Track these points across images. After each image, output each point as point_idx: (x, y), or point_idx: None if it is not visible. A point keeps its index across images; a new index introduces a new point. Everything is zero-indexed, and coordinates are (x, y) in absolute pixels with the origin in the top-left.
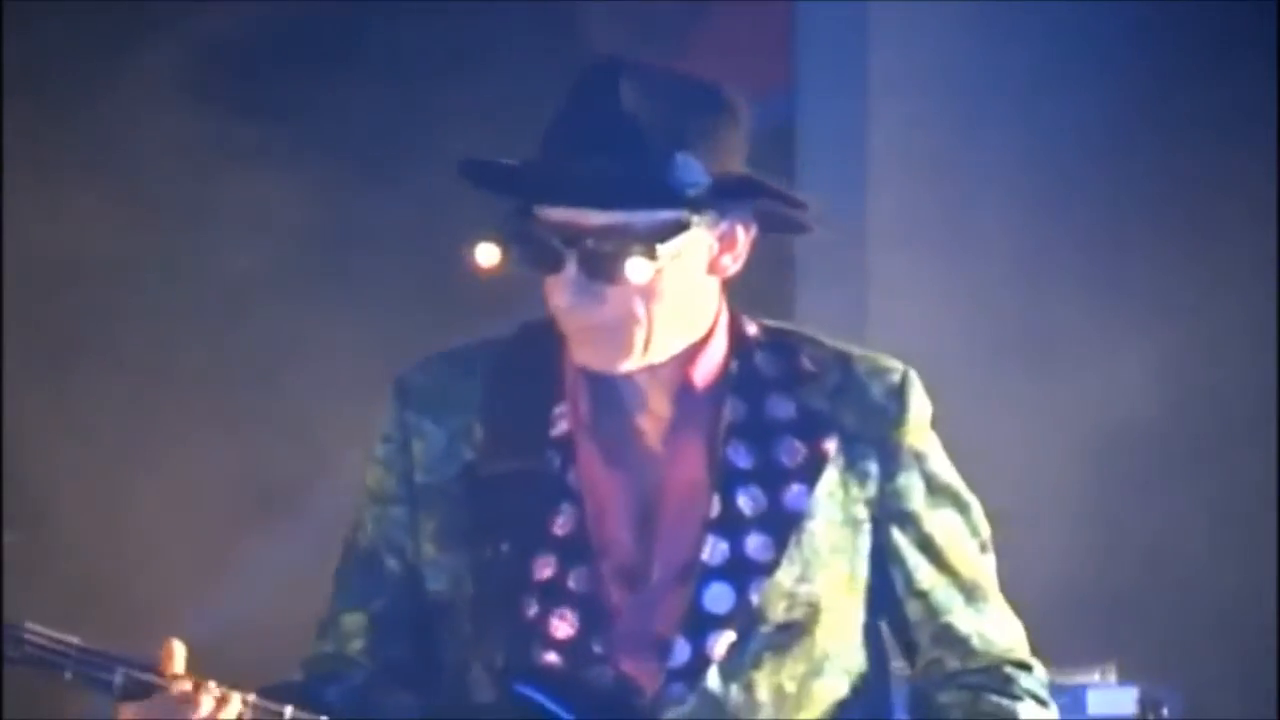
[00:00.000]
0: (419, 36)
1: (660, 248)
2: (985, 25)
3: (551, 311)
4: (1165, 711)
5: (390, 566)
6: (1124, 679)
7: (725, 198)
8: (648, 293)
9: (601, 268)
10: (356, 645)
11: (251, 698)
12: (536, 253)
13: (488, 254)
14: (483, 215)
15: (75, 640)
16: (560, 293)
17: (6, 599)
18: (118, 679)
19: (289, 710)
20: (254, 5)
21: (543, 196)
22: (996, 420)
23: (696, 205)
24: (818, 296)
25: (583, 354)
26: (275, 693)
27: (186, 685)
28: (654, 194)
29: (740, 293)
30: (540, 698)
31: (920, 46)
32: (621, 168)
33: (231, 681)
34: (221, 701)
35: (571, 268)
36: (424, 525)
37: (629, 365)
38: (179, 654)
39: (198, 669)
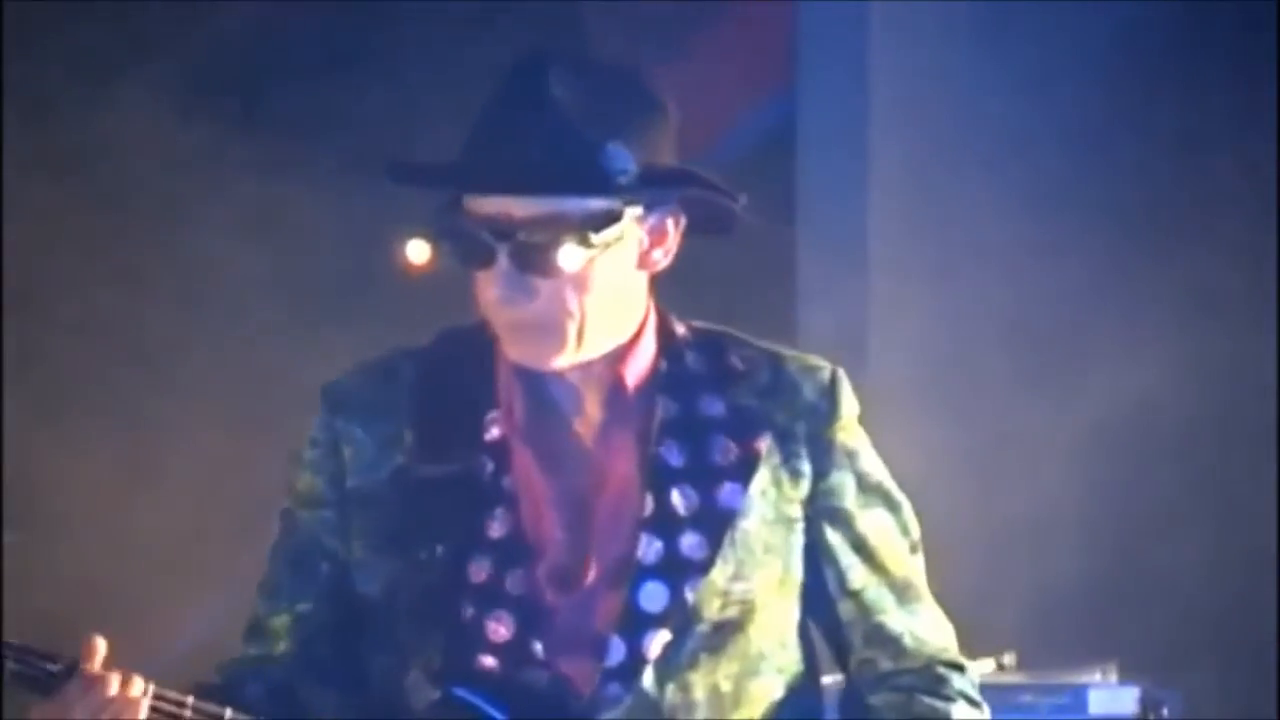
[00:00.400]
0: (415, 41)
1: (593, 236)
2: (985, 25)
3: (483, 308)
4: (1165, 712)
5: (320, 569)
6: (1124, 679)
7: (656, 187)
8: (579, 285)
9: (533, 259)
10: (281, 647)
11: (153, 688)
12: (467, 247)
13: (418, 251)
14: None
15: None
16: (491, 287)
17: (7, 599)
18: (8, 666)
19: (190, 700)
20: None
21: (471, 187)
22: (998, 420)
23: (627, 194)
24: (819, 296)
25: (515, 350)
26: (199, 689)
27: (92, 674)
28: (584, 181)
29: (742, 291)
30: (476, 701)
31: (921, 47)
32: (550, 155)
33: None
34: (126, 682)
35: (503, 261)
36: (354, 528)
37: (562, 360)
38: (98, 649)
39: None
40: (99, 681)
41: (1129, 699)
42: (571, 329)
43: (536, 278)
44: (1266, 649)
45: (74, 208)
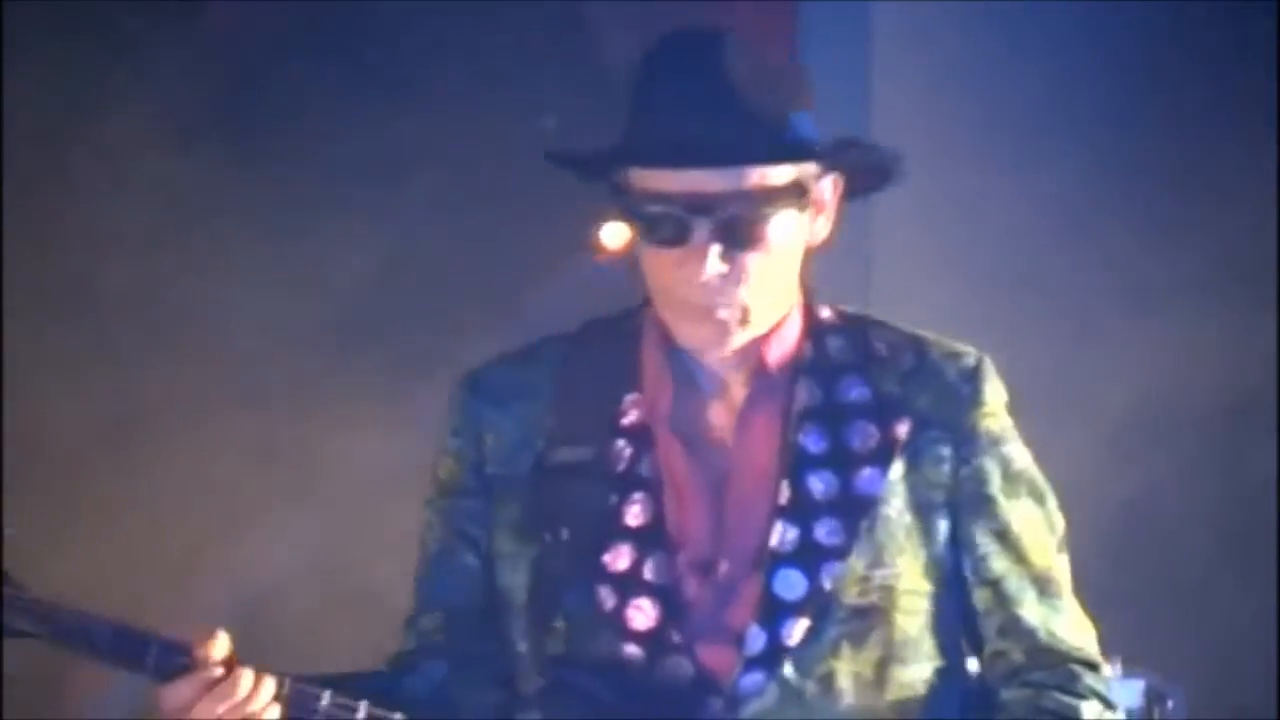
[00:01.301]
0: (415, 31)
1: (797, 206)
2: (989, 23)
3: (665, 288)
4: (1170, 705)
5: (466, 561)
6: (1129, 672)
7: (842, 152)
8: (776, 260)
9: (739, 234)
10: (437, 641)
11: (289, 679)
12: (663, 225)
13: (615, 234)
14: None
15: (109, 618)
16: (689, 264)
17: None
18: (150, 659)
19: (326, 695)
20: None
21: (657, 162)
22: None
23: (825, 160)
24: (820, 294)
25: (691, 331)
26: (352, 682)
27: (218, 669)
28: (787, 149)
29: None
30: (615, 691)
31: (923, 44)
32: (749, 125)
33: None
34: (257, 683)
35: (702, 236)
36: (499, 516)
37: (736, 342)
38: (220, 640)
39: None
40: (228, 678)
41: (1134, 692)
42: (744, 311)
43: (744, 253)
44: (1267, 649)
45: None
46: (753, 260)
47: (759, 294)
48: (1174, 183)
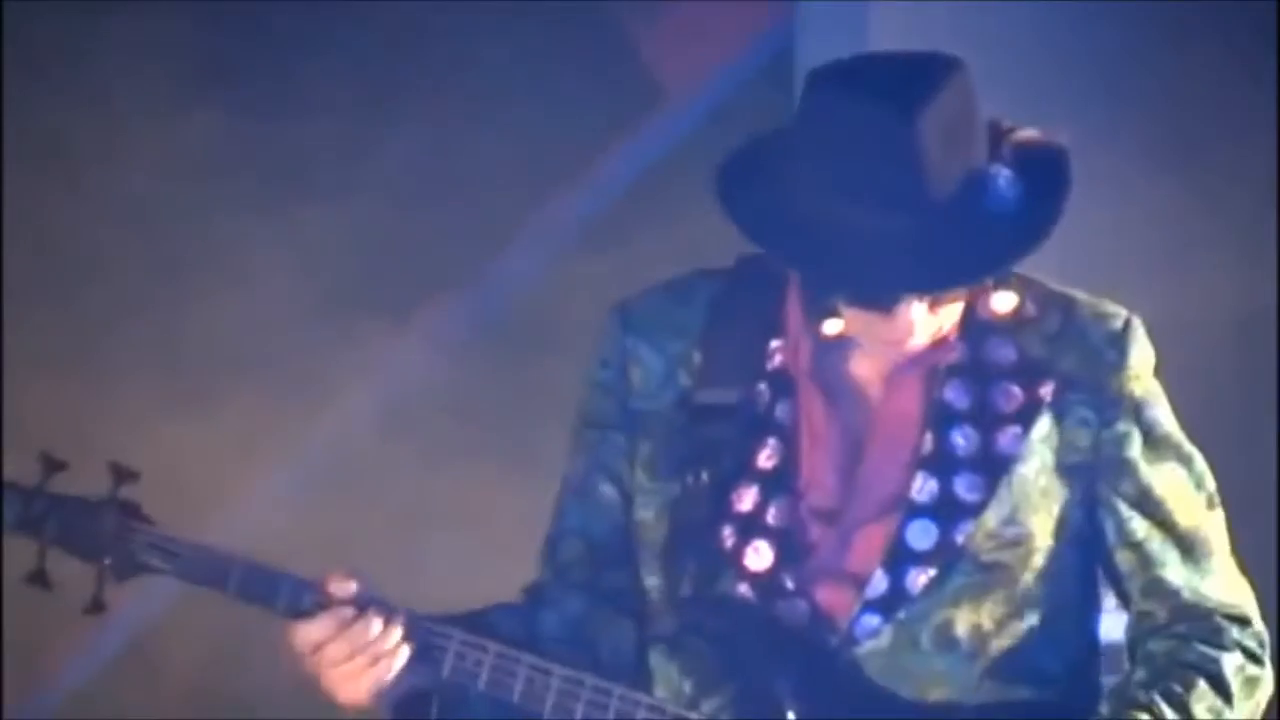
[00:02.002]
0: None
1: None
2: (985, 23)
3: (860, 330)
4: None
5: (607, 494)
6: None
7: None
8: None
9: (947, 299)
10: (575, 574)
11: (422, 619)
12: (878, 301)
13: (834, 326)
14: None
15: (239, 556)
16: (896, 330)
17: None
18: (281, 597)
19: (456, 636)
20: None
21: (929, 288)
22: None
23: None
24: None
25: (875, 352)
26: (488, 616)
27: (350, 608)
28: (1030, 242)
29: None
30: (733, 625)
31: (920, 46)
32: (991, 238)
33: None
34: (389, 623)
35: (916, 310)
36: (639, 452)
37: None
38: (350, 580)
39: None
40: (361, 617)
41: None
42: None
43: (944, 309)
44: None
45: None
46: (950, 307)
47: (948, 321)
48: (1174, 187)
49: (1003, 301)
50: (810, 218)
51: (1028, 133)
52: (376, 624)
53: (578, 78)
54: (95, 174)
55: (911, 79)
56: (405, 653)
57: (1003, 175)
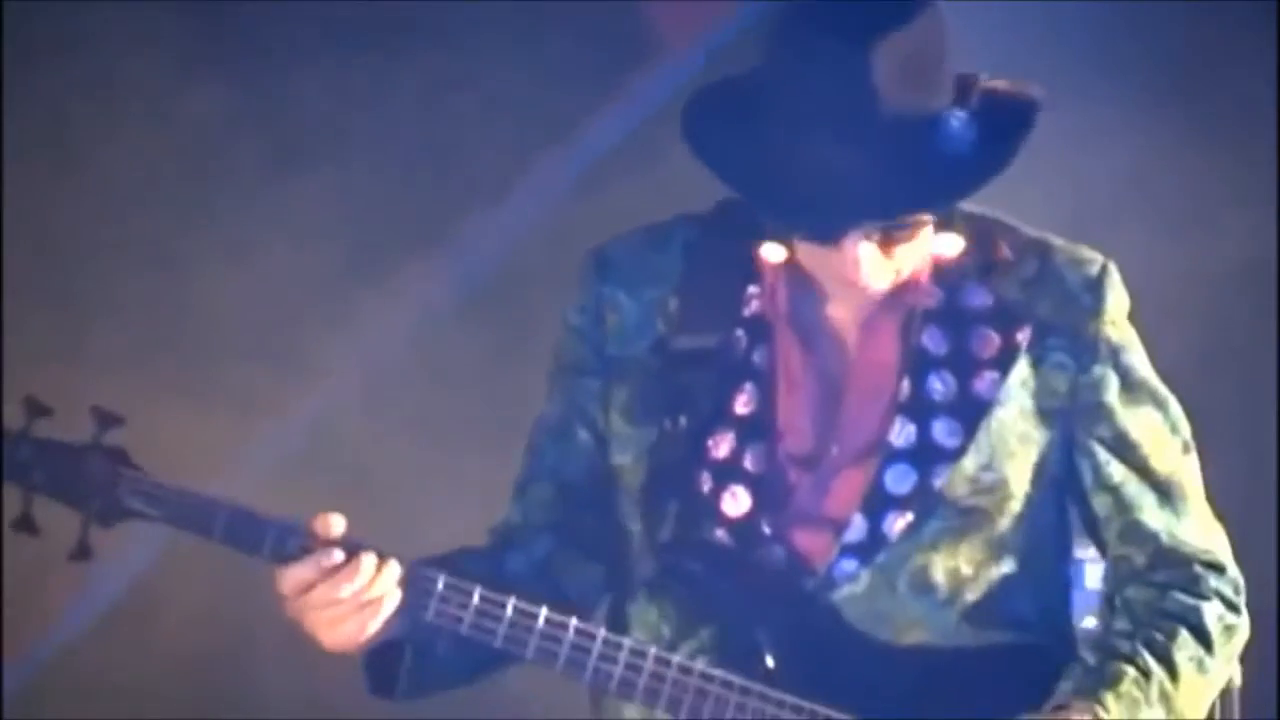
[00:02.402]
0: None
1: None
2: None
3: (817, 265)
4: None
5: (581, 438)
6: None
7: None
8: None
9: (898, 239)
10: (543, 516)
11: (411, 564)
12: (824, 233)
13: (775, 252)
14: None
15: (225, 502)
16: (847, 266)
17: None
18: (267, 542)
19: (441, 579)
20: None
21: (873, 218)
22: None
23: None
24: None
25: (840, 298)
26: (455, 559)
27: (339, 552)
28: (966, 179)
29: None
30: (711, 569)
31: None
32: (945, 167)
33: None
34: (381, 566)
35: (863, 248)
36: (614, 397)
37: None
38: (336, 522)
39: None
40: (350, 561)
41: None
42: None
43: (896, 246)
44: (1266, 647)
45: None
46: (904, 248)
47: (907, 264)
48: (1172, 187)
49: (948, 245)
50: (768, 150)
51: (999, 83)
52: (368, 567)
53: (567, 37)
54: (92, 154)
55: (873, 16)
56: (396, 598)
57: (957, 117)
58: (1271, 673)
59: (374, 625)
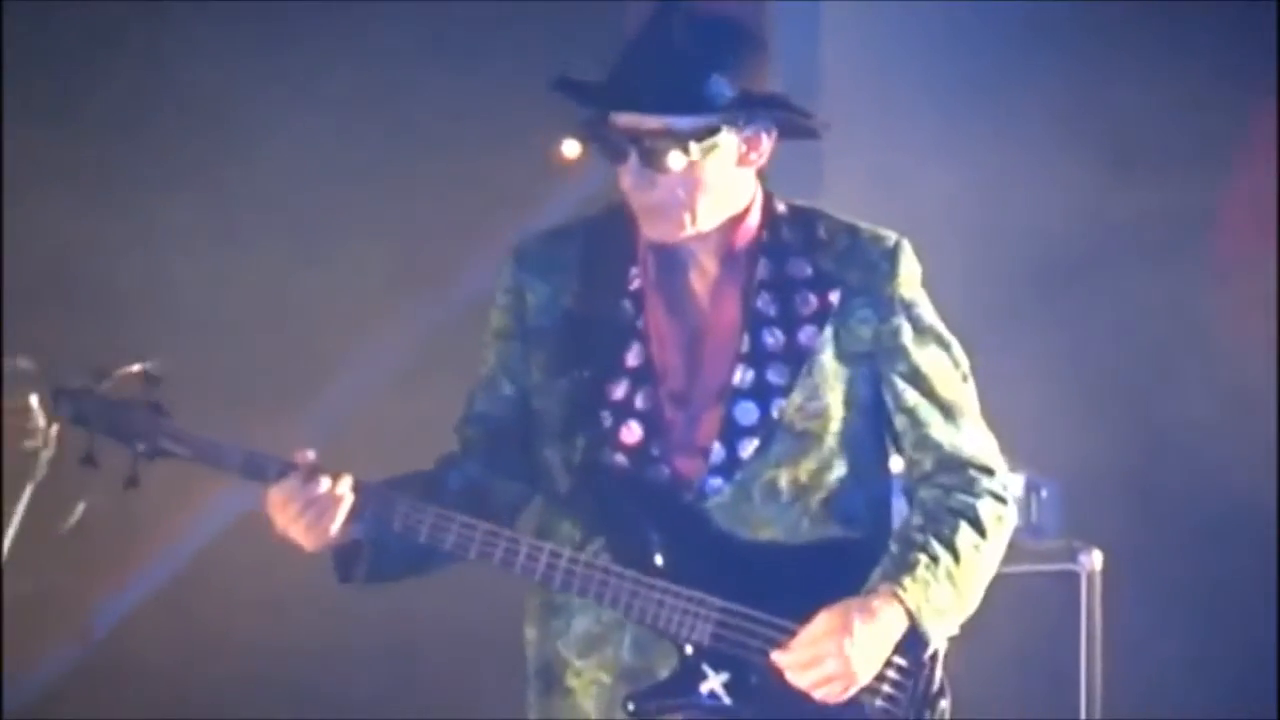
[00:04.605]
0: None
1: (694, 145)
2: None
3: (625, 195)
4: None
5: (506, 390)
6: (1012, 468)
7: (748, 108)
8: (689, 180)
9: (652, 159)
10: (477, 448)
11: (361, 482)
12: (607, 147)
13: (571, 148)
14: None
15: (238, 445)
16: (625, 178)
17: None
18: (271, 473)
19: (405, 501)
20: None
21: (612, 105)
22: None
23: (725, 113)
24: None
25: (645, 227)
26: (409, 477)
27: (309, 474)
28: (691, 103)
29: None
30: (612, 486)
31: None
32: (667, 85)
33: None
34: (335, 481)
35: (633, 160)
36: (534, 358)
37: (680, 235)
38: (309, 454)
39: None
40: (312, 479)
41: (1017, 483)
42: (685, 213)
43: (656, 173)
44: (1266, 648)
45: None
46: (668, 180)
47: (685, 204)
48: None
49: (674, 160)
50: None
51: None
52: (325, 482)
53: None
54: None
55: (689, 11)
56: (348, 502)
57: (720, 84)
58: (1271, 673)
59: (335, 524)
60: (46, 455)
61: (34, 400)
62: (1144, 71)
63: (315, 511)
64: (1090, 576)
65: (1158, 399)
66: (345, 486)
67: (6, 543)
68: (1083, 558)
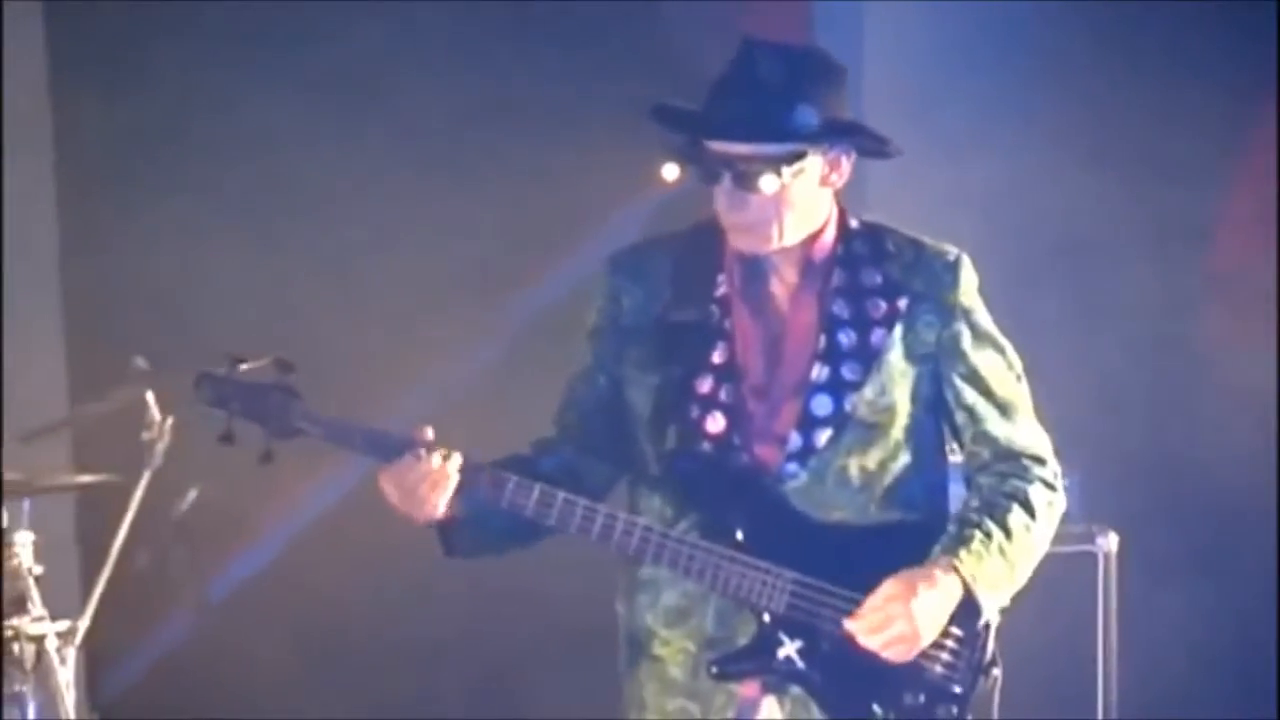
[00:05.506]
0: None
1: (784, 169)
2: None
3: (716, 211)
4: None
5: (601, 382)
6: None
7: (832, 135)
8: (778, 200)
9: (745, 181)
10: (571, 434)
11: (468, 459)
12: (703, 170)
13: (670, 171)
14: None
15: (362, 424)
16: (719, 198)
17: None
18: (391, 449)
19: (486, 469)
20: None
21: (708, 134)
22: None
23: (810, 140)
24: None
25: (736, 241)
26: (507, 461)
27: (420, 449)
28: (781, 132)
29: None
30: (699, 471)
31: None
32: (760, 115)
33: None
34: (446, 458)
35: (727, 181)
36: (628, 354)
37: (767, 249)
38: (428, 431)
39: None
40: (425, 456)
41: None
42: (773, 229)
43: (749, 194)
44: (1265, 648)
45: None
46: (759, 200)
47: (773, 222)
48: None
49: (767, 183)
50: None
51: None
52: (436, 460)
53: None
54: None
55: (773, 46)
56: (455, 480)
57: (806, 113)
58: (1272, 673)
59: (444, 499)
60: (161, 446)
61: (150, 396)
62: (1172, 72)
63: (427, 487)
64: (1108, 558)
65: (1177, 389)
66: (455, 465)
67: (125, 524)
68: (1101, 540)
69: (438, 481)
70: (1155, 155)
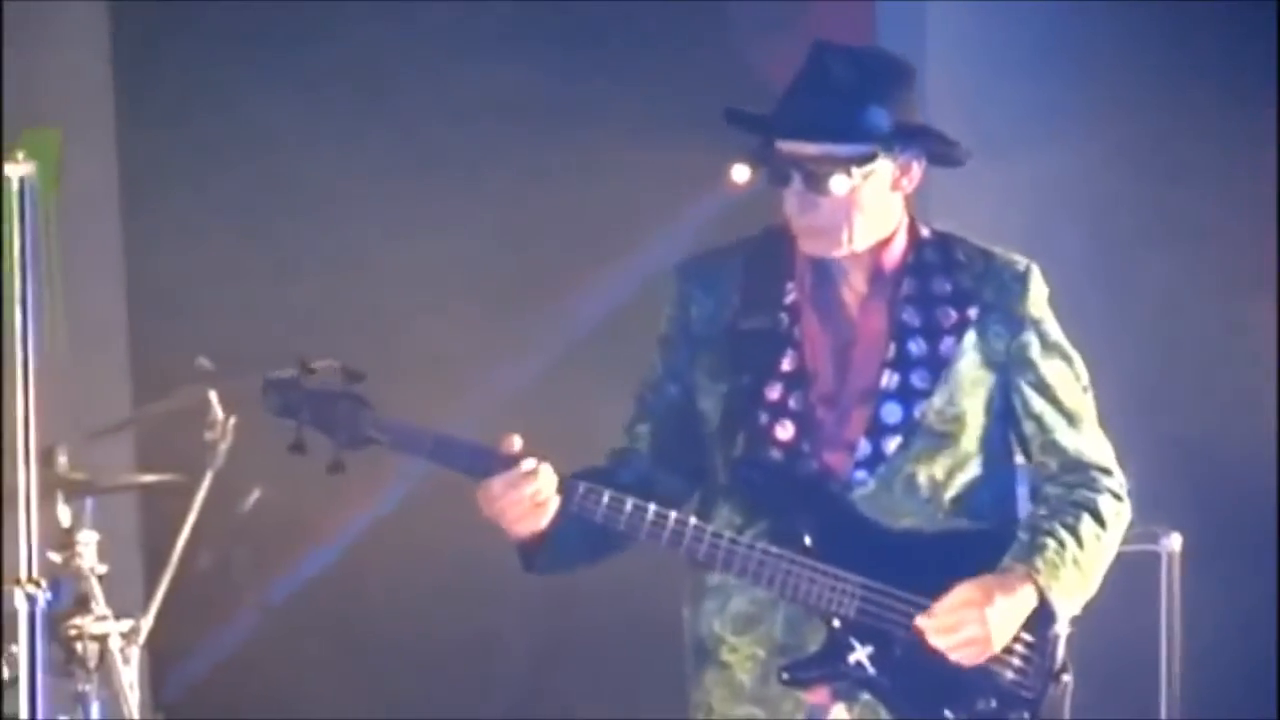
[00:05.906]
0: None
1: (855, 169)
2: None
3: (786, 215)
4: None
5: (672, 391)
6: None
7: (903, 138)
8: (848, 202)
9: (815, 183)
10: (644, 444)
11: (564, 477)
12: (773, 172)
13: (741, 173)
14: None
15: (432, 430)
16: (789, 200)
17: None
18: (463, 459)
19: (581, 485)
20: None
21: (780, 133)
22: None
23: (881, 142)
24: None
25: (806, 245)
26: (584, 473)
27: (519, 470)
28: (852, 132)
29: None
30: (768, 478)
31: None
32: (829, 116)
33: None
34: (548, 480)
35: (797, 183)
36: (698, 362)
37: (838, 253)
38: (516, 442)
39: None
40: (530, 475)
41: None
42: (843, 232)
43: (819, 196)
44: (1265, 648)
45: None
46: (830, 202)
47: (844, 225)
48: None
49: (837, 184)
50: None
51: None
52: (547, 476)
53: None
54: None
55: (846, 49)
56: (557, 501)
57: (878, 115)
58: (1272, 673)
59: (545, 520)
60: (224, 446)
61: (213, 396)
62: (1232, 75)
63: (529, 504)
64: (1170, 558)
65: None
66: (553, 485)
67: (188, 524)
68: (1164, 540)
69: (542, 502)
70: (1216, 157)
